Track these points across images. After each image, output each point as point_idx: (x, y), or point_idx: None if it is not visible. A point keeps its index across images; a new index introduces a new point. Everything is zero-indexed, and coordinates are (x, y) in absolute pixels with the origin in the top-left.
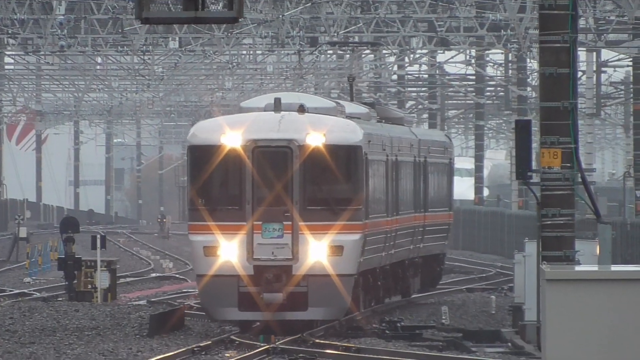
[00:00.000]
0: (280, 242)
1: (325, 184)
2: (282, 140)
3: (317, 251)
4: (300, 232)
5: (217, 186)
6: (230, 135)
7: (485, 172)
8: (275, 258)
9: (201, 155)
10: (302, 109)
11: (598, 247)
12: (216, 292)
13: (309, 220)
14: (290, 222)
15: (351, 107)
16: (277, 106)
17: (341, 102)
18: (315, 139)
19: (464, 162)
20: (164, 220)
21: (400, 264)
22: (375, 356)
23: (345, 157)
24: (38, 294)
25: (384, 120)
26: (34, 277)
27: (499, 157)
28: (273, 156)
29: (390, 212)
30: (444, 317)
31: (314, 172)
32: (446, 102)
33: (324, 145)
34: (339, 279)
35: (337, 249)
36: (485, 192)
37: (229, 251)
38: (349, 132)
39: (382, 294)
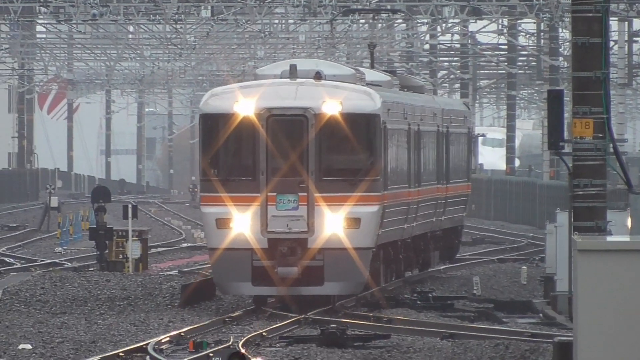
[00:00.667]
0: (296, 214)
1: (341, 154)
2: (297, 108)
3: (333, 223)
4: (316, 203)
5: (230, 156)
6: (244, 103)
7: (517, 143)
8: (290, 230)
9: (213, 124)
10: (318, 76)
11: (630, 217)
12: (229, 266)
13: (325, 191)
14: (305, 194)
15: (372, 75)
16: (293, 73)
17: (361, 69)
18: (331, 107)
19: (495, 132)
20: (196, 189)
21: (422, 236)
22: (406, 327)
23: (363, 126)
24: (69, 263)
25: (406, 89)
26: (65, 247)
27: (526, 127)
28: (288, 125)
29: (412, 183)
30: (475, 288)
31: (330, 142)
32: (478, 71)
33: (340, 113)
34: (356, 252)
35: (354, 222)
36: (517, 162)
37: (242, 223)
38: (367, 100)
39: (403, 268)
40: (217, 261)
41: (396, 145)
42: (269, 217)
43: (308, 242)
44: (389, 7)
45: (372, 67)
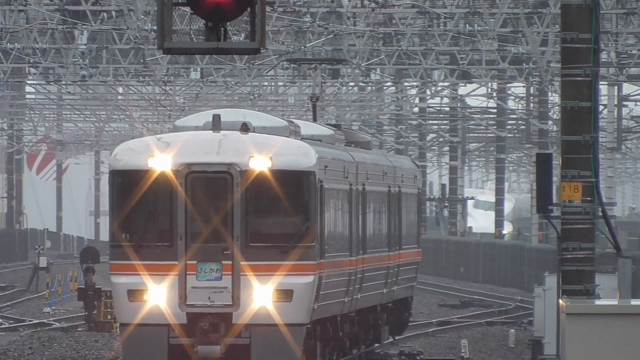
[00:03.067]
0: (219, 285)
1: (271, 216)
2: (220, 164)
3: (261, 296)
4: (242, 273)
5: (144, 218)
6: (159, 157)
7: (510, 206)
8: (212, 304)
9: (125, 182)
10: (245, 128)
11: (618, 281)
12: (142, 344)
13: (252, 259)
14: (230, 262)
15: (310, 128)
16: (216, 124)
17: (297, 121)
18: (259, 163)
19: (487, 195)
20: None
21: (370, 309)
22: None
23: (296, 184)
24: (58, 324)
25: (353, 144)
26: (53, 307)
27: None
28: (210, 183)
29: (355, 250)
30: (463, 351)
31: (258, 203)
32: (467, 134)
33: (270, 170)
34: (287, 329)
35: (286, 294)
36: (509, 226)
37: (157, 295)
38: (300, 156)
39: (348, 345)
40: (128, 338)
41: (335, 208)
42: (188, 289)
43: (233, 317)
44: (378, 70)
45: (314, 120)
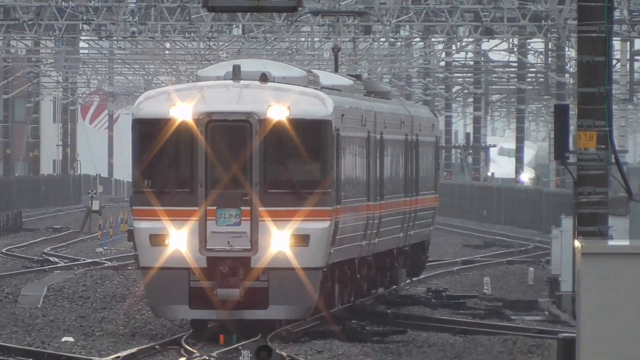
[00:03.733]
0: (238, 230)
1: (288, 164)
2: (240, 113)
3: (279, 241)
4: (260, 218)
5: (166, 166)
6: (181, 107)
7: (532, 153)
8: (231, 248)
9: (147, 130)
10: (264, 78)
11: (629, 223)
12: (164, 287)
13: (270, 205)
14: (248, 208)
15: (331, 79)
16: (237, 74)
17: (316, 71)
18: (277, 113)
19: (511, 142)
20: None
21: (387, 253)
22: (422, 323)
23: (312, 133)
24: (109, 262)
25: (372, 94)
26: (105, 247)
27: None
28: (229, 132)
29: (373, 196)
30: (485, 288)
31: (276, 151)
32: (490, 87)
33: (287, 119)
34: (304, 272)
35: (303, 239)
36: (532, 172)
37: (178, 240)
38: (317, 105)
39: (365, 287)
40: (150, 281)
41: (352, 155)
42: (208, 234)
43: (251, 261)
44: (407, 26)
45: (336, 71)
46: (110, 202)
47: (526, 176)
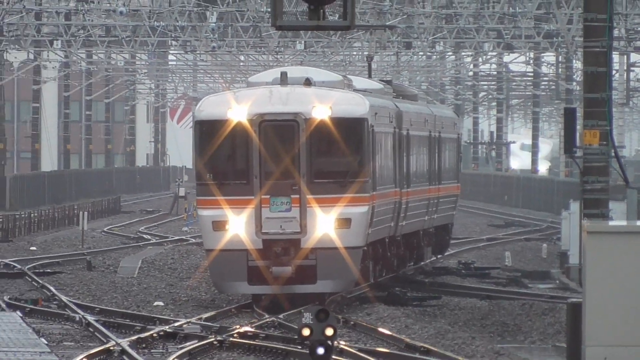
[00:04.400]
0: (288, 215)
1: (331, 156)
2: (288, 113)
3: (325, 224)
4: (308, 205)
5: (225, 161)
6: (237, 109)
7: (549, 148)
8: (283, 232)
9: (208, 130)
10: (308, 82)
11: (626, 207)
12: (225, 267)
13: (316, 193)
14: (297, 196)
15: (362, 83)
16: (284, 80)
17: (350, 76)
18: (321, 112)
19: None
20: None
21: (414, 234)
22: (454, 290)
23: (351, 129)
24: (193, 239)
25: (401, 97)
26: (190, 227)
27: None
28: (279, 130)
29: (400, 184)
30: (506, 260)
31: (320, 145)
32: (510, 93)
33: (329, 118)
34: (346, 251)
35: (345, 222)
36: (547, 164)
37: (237, 225)
38: (355, 105)
39: (396, 263)
40: (213, 262)
41: (384, 148)
42: (263, 219)
43: (301, 242)
44: (441, 42)
45: (369, 77)
46: (194, 189)
47: (543, 167)
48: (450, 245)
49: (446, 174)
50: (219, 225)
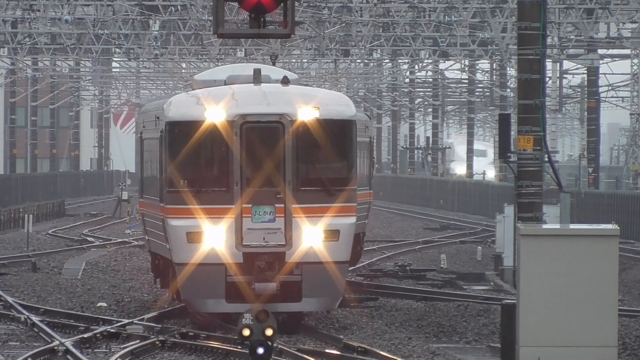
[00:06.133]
0: (272, 226)
1: (319, 162)
2: (272, 114)
3: (312, 236)
4: (293, 215)
5: (201, 166)
6: (215, 109)
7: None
8: (266, 244)
9: (181, 132)
10: (286, 81)
11: (559, 210)
12: (200, 283)
13: (303, 202)
14: (282, 205)
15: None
16: (257, 78)
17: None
18: (308, 113)
19: (480, 144)
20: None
21: (356, 237)
22: (390, 291)
23: (341, 132)
24: (136, 242)
25: None
26: (132, 230)
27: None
28: (263, 132)
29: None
30: (442, 263)
31: (307, 150)
32: (446, 99)
33: (317, 119)
34: (334, 266)
35: (334, 234)
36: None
37: (215, 237)
38: (343, 106)
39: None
40: (186, 277)
41: (359, 154)
42: (244, 230)
43: (286, 256)
44: (378, 50)
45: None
46: (136, 193)
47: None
48: (363, 255)
49: (361, 181)
50: (193, 237)
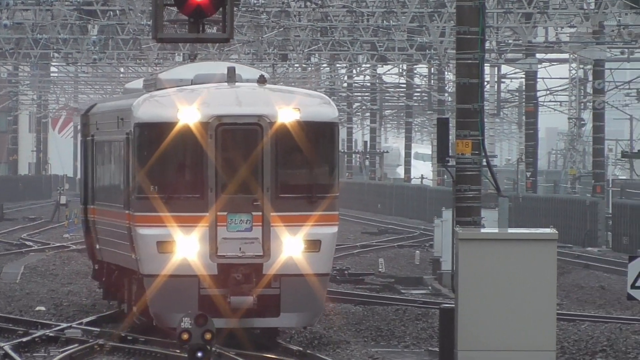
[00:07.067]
0: (249, 236)
1: (300, 167)
2: (250, 116)
3: (291, 247)
4: (271, 224)
5: (173, 171)
6: (188, 110)
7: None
8: (243, 255)
9: (152, 134)
10: (262, 80)
11: (498, 214)
12: (171, 296)
13: (282, 210)
14: (260, 213)
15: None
16: (232, 76)
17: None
18: (288, 115)
19: (425, 148)
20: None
21: None
22: (329, 296)
23: (323, 136)
24: (74, 246)
25: None
26: (71, 234)
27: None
28: (240, 135)
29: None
30: (380, 267)
31: (287, 154)
32: (384, 104)
33: (298, 122)
34: (315, 278)
35: (314, 244)
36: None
37: (187, 247)
38: (326, 106)
39: None
40: (157, 290)
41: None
42: (218, 240)
43: (263, 267)
44: (316, 54)
45: None
46: (75, 197)
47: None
48: None
49: None
50: (164, 247)
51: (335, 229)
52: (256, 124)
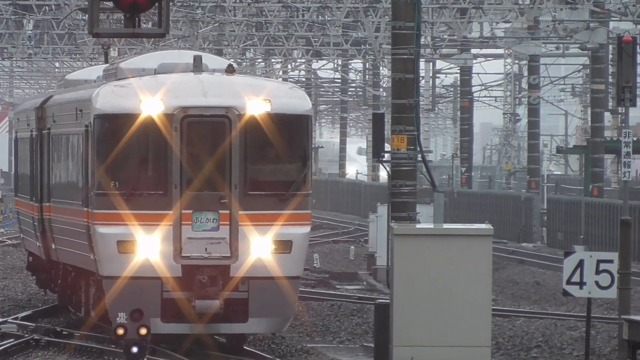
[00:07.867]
0: (216, 235)
1: (270, 163)
2: (217, 107)
3: (260, 247)
4: (240, 223)
5: (136, 165)
6: (151, 101)
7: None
8: (209, 256)
9: (112, 127)
10: (231, 69)
11: (433, 210)
12: (132, 299)
13: (250, 208)
14: (227, 211)
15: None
16: (198, 66)
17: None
18: (257, 107)
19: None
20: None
21: None
22: None
23: (295, 129)
24: (10, 241)
25: None
26: (6, 229)
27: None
28: (206, 128)
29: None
30: (315, 262)
31: (257, 149)
32: (319, 99)
33: (268, 114)
34: (286, 281)
35: (285, 245)
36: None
37: (149, 247)
38: (298, 98)
39: None
40: (116, 293)
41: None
42: (183, 240)
43: (231, 269)
44: (252, 49)
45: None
46: (10, 192)
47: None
48: None
49: None
50: (125, 247)
51: (307, 229)
52: (224, 116)
